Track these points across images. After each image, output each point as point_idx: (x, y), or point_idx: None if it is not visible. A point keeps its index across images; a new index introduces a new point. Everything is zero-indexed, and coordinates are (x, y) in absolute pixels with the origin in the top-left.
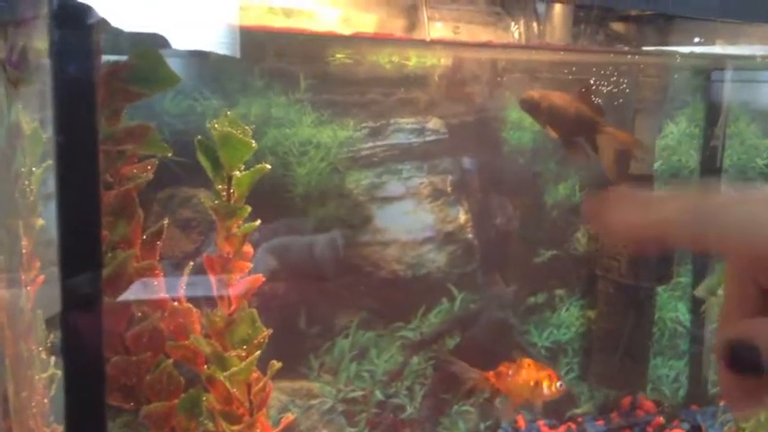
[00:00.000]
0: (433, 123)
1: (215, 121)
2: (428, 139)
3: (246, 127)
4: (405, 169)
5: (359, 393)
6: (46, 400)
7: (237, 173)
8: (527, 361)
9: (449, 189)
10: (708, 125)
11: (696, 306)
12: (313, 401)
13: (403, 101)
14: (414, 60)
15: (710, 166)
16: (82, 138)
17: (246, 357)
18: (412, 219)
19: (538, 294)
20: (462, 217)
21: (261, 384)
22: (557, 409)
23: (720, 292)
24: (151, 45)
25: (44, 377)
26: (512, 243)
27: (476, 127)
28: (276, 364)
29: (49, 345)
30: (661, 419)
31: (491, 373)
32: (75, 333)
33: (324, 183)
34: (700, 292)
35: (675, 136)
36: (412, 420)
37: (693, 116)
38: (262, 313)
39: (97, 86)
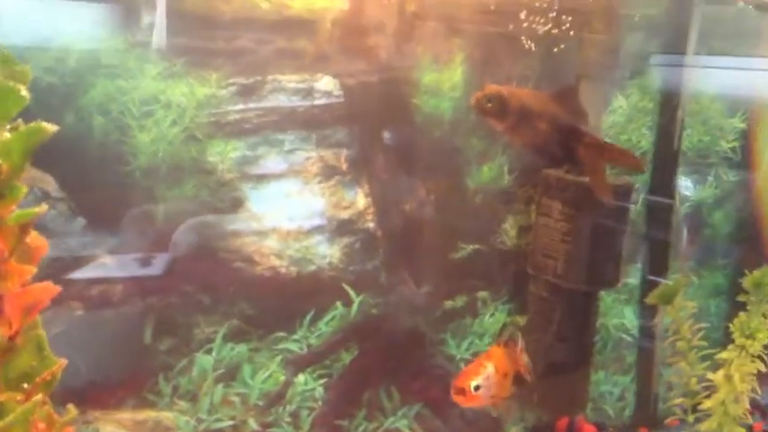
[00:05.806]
0: (324, 83)
1: None
2: (317, 102)
3: (24, 67)
4: (287, 140)
5: (226, 423)
6: None
7: (6, 135)
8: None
9: (344, 166)
10: (665, 99)
11: (645, 312)
12: None
13: (284, 52)
14: (300, 0)
15: (667, 149)
16: None
17: (26, 400)
18: (296, 202)
19: (456, 297)
20: (361, 201)
21: None
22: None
23: (678, 300)
24: None
25: None
26: (424, 235)
27: (379, 90)
28: (72, 410)
29: None
30: None
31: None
32: None
33: (176, 154)
34: (651, 299)
35: (625, 111)
36: None
37: (647, 87)
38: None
39: None
